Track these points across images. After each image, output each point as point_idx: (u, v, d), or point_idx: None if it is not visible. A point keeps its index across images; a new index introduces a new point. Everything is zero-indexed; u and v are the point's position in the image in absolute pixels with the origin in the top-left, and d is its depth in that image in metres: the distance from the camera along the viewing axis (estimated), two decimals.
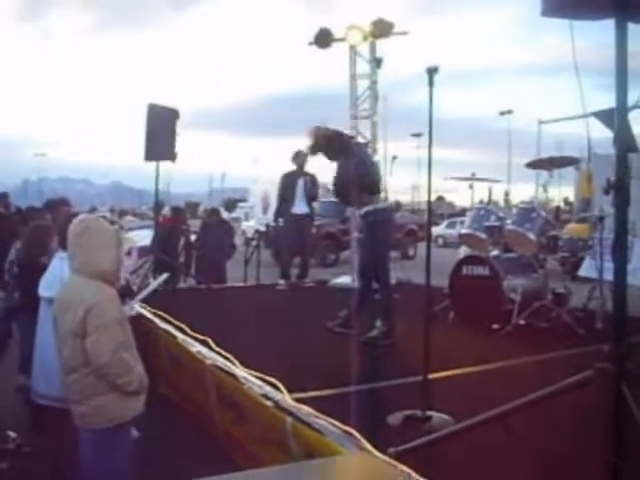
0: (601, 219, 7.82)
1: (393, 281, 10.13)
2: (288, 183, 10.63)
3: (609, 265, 6.86)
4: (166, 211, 13.31)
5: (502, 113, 53.06)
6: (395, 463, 3.14)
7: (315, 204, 11.72)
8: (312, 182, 10.41)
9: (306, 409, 3.92)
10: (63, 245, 4.01)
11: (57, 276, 4.32)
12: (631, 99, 3.09)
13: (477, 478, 3.28)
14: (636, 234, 9.26)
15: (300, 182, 10.46)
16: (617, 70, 2.92)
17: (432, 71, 4.04)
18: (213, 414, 5.05)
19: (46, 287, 4.44)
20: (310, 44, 11.93)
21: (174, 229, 11.51)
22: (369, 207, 6.60)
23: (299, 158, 10.51)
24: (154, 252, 9.89)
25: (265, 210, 25.13)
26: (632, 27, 3.02)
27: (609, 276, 6.18)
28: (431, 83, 4.04)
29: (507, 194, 36.77)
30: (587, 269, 9.82)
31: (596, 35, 3.08)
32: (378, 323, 6.44)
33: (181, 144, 9.98)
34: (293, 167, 10.65)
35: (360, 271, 6.81)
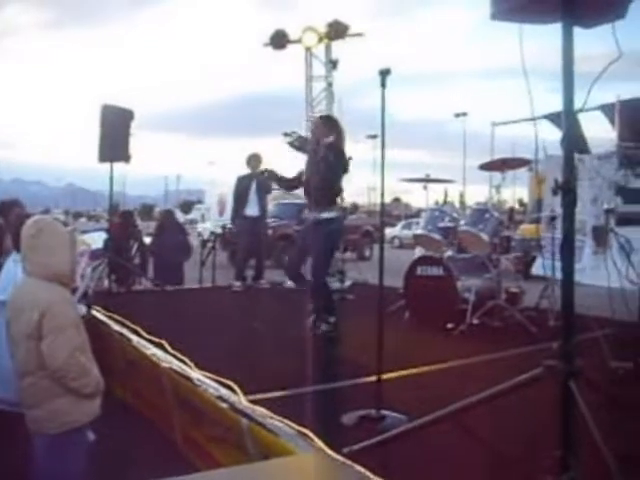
0: (552, 219, 7.96)
1: (349, 282, 10.25)
2: (242, 186, 10.67)
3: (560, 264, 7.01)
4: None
5: (457, 115, 53.73)
6: (349, 463, 3.16)
7: (270, 206, 11.75)
8: (265, 184, 10.44)
9: (261, 410, 3.92)
10: (17, 247, 3.96)
11: (11, 279, 4.24)
12: (581, 101, 3.15)
13: (431, 476, 3.31)
14: (586, 233, 9.48)
15: (253, 184, 10.48)
16: (564, 73, 2.98)
17: (384, 73, 4.06)
18: (170, 416, 5.03)
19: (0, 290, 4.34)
20: (265, 45, 11.96)
21: (125, 232, 11.41)
22: (332, 213, 6.68)
23: (253, 161, 10.55)
24: (108, 255, 9.78)
25: (221, 212, 25.06)
26: (579, 31, 3.09)
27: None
28: (383, 85, 4.07)
29: (462, 195, 37.27)
30: (539, 267, 10.00)
31: (551, 38, 3.13)
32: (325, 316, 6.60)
33: (136, 145, 9.93)
34: (248, 170, 10.66)
35: (312, 272, 6.79)
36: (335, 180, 6.72)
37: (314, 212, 6.72)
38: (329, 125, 6.90)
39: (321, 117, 7.04)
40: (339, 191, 6.88)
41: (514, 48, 3.30)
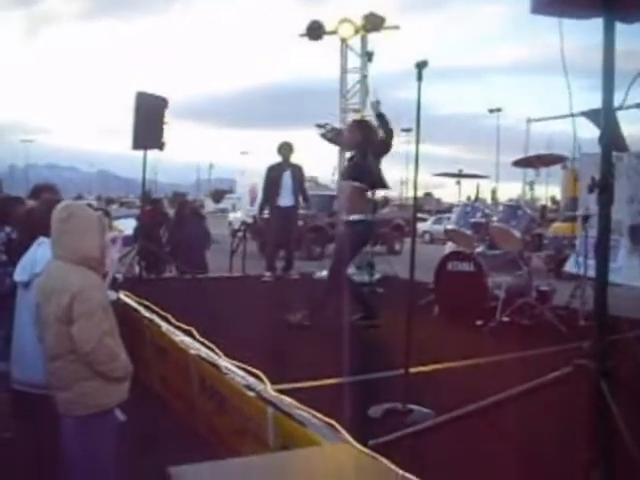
0: (586, 218, 7.86)
1: (379, 275, 10.22)
2: (273, 175, 10.47)
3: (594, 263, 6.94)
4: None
5: (491, 111, 53.35)
6: (375, 455, 3.16)
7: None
8: (299, 173, 10.35)
9: (288, 400, 3.93)
10: (42, 230, 3.97)
11: (30, 260, 4.24)
12: (620, 99, 3.09)
13: (456, 471, 3.30)
14: (622, 233, 9.33)
15: (286, 174, 10.34)
16: (604, 70, 2.93)
17: (421, 66, 4.03)
18: (195, 404, 5.06)
19: (19, 271, 4.35)
20: (301, 36, 11.93)
21: (155, 219, 11.48)
22: (360, 216, 6.74)
23: (284, 150, 10.44)
24: (139, 241, 9.83)
25: (252, 202, 25.13)
26: (620, 26, 3.03)
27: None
28: (420, 77, 4.04)
29: (494, 191, 36.97)
30: (572, 265, 9.89)
31: (594, 34, 3.08)
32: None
33: (169, 134, 9.94)
34: (279, 159, 10.59)
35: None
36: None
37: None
38: (357, 128, 7.04)
39: (353, 121, 7.14)
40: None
41: (554, 43, 3.25)
